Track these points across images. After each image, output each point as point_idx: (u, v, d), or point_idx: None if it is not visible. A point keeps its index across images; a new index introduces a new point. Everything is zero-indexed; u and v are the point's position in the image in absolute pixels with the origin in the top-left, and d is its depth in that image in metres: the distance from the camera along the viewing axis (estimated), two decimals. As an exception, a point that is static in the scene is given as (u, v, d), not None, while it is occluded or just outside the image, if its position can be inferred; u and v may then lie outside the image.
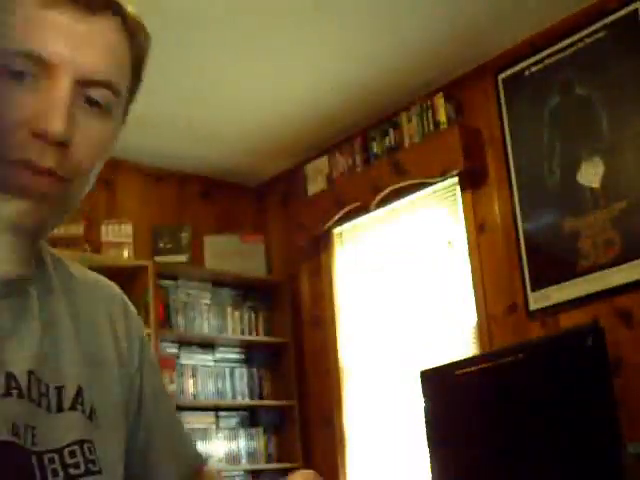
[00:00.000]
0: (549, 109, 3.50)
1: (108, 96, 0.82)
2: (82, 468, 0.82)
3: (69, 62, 0.78)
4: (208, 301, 4.47)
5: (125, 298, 1.01)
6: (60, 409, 0.83)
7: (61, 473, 0.80)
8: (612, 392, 2.75)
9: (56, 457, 0.81)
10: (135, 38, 0.86)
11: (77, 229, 4.01)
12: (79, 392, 0.86)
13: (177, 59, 3.51)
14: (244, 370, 4.50)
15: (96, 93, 0.81)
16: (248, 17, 3.31)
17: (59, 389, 0.84)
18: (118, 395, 0.92)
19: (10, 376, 0.79)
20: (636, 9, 3.24)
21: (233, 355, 4.52)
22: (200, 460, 1.07)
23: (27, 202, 0.78)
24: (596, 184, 3.30)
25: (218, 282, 4.52)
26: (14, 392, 0.79)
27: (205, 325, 4.40)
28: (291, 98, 4.01)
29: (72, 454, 0.82)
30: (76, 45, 0.79)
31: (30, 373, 0.81)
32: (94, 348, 0.91)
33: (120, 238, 4.23)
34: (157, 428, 1.00)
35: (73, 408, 0.84)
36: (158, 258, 4.38)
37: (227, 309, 4.50)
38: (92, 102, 0.81)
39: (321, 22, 3.40)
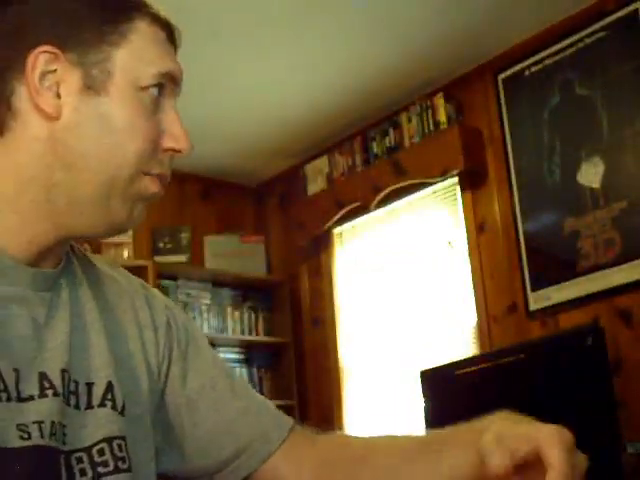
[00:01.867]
0: (549, 109, 3.50)
1: None
2: (111, 466, 0.83)
3: (181, 80, 0.90)
4: (208, 301, 4.47)
5: (146, 287, 1.01)
6: (89, 406, 0.84)
7: (90, 472, 0.81)
8: (612, 392, 2.75)
9: (84, 456, 0.81)
10: None
11: (77, 229, 4.01)
12: (109, 388, 0.86)
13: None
14: (244, 370, 4.50)
15: None
16: (247, 17, 3.30)
17: (89, 386, 0.85)
18: (145, 392, 0.92)
19: (43, 376, 0.80)
20: (636, 9, 3.24)
21: (233, 355, 4.51)
22: (283, 428, 1.03)
23: (144, 206, 0.88)
24: (596, 184, 3.31)
25: (218, 282, 4.52)
26: (49, 392, 0.80)
27: (205, 325, 4.39)
28: (291, 98, 4.01)
29: (101, 452, 0.83)
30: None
31: (63, 371, 0.82)
32: (121, 341, 0.92)
33: (120, 238, 4.22)
34: (202, 411, 0.97)
35: (102, 405, 0.85)
36: (158, 258, 4.38)
37: (227, 309, 4.50)
38: None
39: (320, 22, 3.40)
